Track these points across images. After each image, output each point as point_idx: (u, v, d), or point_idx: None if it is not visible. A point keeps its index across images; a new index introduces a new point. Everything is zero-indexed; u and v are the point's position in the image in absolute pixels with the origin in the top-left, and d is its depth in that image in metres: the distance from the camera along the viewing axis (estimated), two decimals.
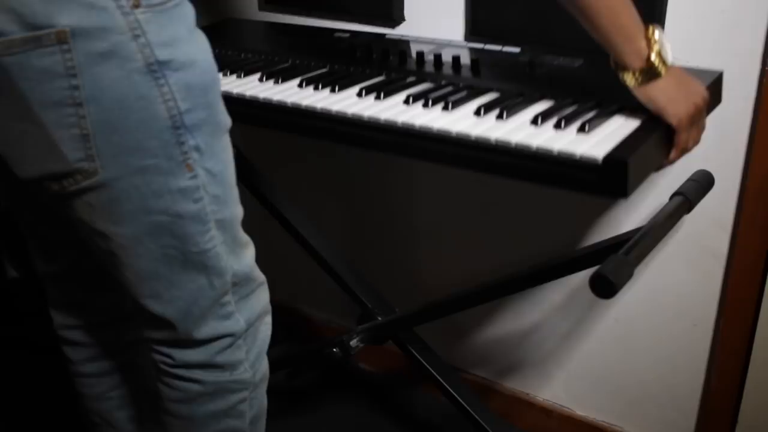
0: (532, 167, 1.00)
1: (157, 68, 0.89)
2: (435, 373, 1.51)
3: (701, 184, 1.24)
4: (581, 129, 1.02)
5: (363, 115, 1.14)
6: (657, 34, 1.00)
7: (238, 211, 1.04)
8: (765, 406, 1.42)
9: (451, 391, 1.50)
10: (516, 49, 1.33)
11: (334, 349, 1.52)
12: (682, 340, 1.49)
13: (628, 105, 1.07)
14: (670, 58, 1.02)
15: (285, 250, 1.83)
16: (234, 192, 1.03)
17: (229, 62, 1.43)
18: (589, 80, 1.19)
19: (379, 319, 1.52)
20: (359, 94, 1.21)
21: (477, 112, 1.10)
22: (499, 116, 1.08)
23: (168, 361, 1.06)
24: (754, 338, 1.38)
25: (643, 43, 1.00)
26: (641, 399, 1.59)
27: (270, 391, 1.16)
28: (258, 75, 1.35)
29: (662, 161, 1.07)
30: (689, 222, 1.38)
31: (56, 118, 0.87)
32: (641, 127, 1.03)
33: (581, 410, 1.68)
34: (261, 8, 1.75)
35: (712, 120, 1.30)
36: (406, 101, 1.17)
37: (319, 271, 1.60)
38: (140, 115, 0.90)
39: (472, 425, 1.49)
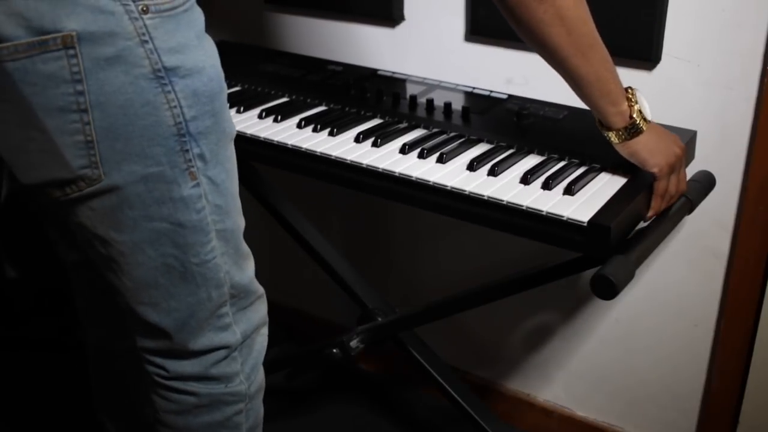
0: (521, 224, 1.08)
1: (163, 74, 0.88)
2: (435, 374, 1.51)
3: (703, 184, 1.24)
4: (568, 191, 1.09)
5: (362, 162, 1.21)
6: (636, 94, 1.09)
7: (240, 222, 1.03)
8: (766, 406, 1.42)
9: (451, 391, 1.50)
10: (503, 95, 1.40)
11: (334, 350, 1.51)
12: (683, 340, 1.48)
13: (611, 160, 1.14)
14: (649, 115, 1.10)
15: (285, 251, 1.83)
16: (236, 202, 1.02)
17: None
18: (573, 133, 1.25)
19: (379, 319, 1.52)
20: (357, 140, 1.27)
21: (470, 167, 1.17)
22: (491, 173, 1.15)
23: (162, 372, 1.04)
24: (756, 338, 1.38)
25: (625, 105, 1.08)
26: (642, 399, 1.58)
27: (269, 392, 1.16)
28: (257, 111, 1.39)
29: (644, 215, 1.12)
30: (690, 222, 1.37)
31: (60, 124, 0.86)
32: (624, 188, 1.11)
33: (582, 411, 1.67)
34: (263, 7, 1.75)
35: (713, 120, 1.30)
36: (402, 150, 1.23)
37: (319, 271, 1.59)
38: (145, 122, 0.89)
39: (472, 426, 1.49)
